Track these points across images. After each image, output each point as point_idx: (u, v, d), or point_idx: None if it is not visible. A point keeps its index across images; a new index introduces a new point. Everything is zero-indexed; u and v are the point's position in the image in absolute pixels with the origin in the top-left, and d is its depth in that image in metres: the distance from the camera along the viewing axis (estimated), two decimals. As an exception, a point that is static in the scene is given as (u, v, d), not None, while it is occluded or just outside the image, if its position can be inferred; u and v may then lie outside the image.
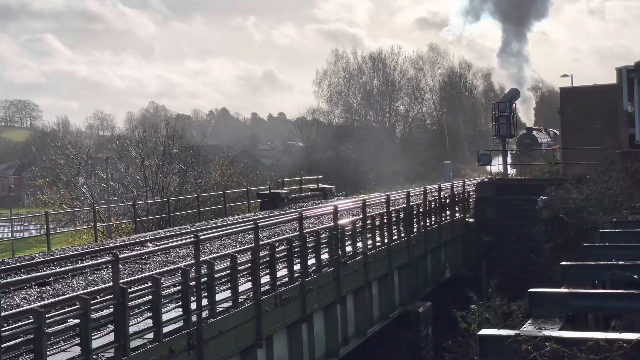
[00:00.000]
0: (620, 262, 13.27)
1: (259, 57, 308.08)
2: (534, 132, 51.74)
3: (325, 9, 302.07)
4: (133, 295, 11.74)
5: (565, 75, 49.00)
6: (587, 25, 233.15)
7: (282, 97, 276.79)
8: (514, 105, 49.46)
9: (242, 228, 22.35)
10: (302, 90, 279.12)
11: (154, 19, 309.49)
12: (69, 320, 10.48)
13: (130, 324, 11.43)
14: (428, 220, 28.07)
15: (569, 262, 14.04)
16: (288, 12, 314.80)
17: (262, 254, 15.67)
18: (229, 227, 25.47)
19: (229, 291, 14.48)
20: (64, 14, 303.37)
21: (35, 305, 11.87)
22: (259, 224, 16.45)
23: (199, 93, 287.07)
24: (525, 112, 62.30)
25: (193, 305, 13.00)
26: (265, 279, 15.83)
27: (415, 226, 26.58)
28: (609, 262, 13.42)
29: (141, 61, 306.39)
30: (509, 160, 44.67)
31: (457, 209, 32.71)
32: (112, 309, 11.24)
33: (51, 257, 19.67)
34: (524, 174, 38.71)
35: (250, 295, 15.09)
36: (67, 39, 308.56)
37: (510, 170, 43.02)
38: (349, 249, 20.60)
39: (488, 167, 45.34)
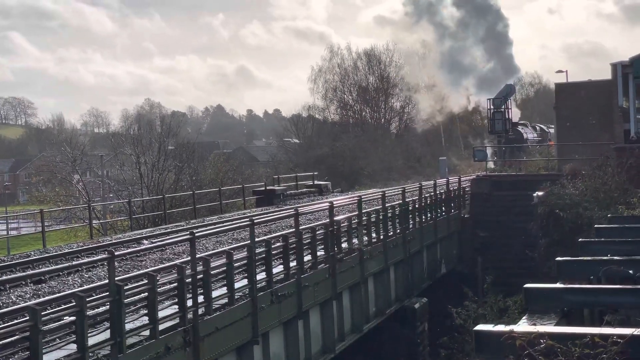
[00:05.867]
0: (615, 258, 13.30)
1: (228, 54, 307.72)
2: (520, 128, 51.44)
3: (280, 6, 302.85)
4: (129, 292, 11.73)
5: (560, 71, 48.96)
6: (548, 23, 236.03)
7: (261, 94, 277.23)
8: (509, 100, 49.52)
9: (237, 225, 22.36)
10: (279, 86, 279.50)
11: (110, 16, 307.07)
12: (64, 318, 10.46)
13: (126, 321, 11.43)
14: (424, 216, 28.08)
15: (564, 258, 14.06)
16: (244, 10, 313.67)
17: (258, 250, 15.68)
18: (224, 224, 25.44)
19: (225, 288, 14.49)
20: (14, 8, 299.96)
21: (30, 302, 11.86)
22: (255, 221, 16.47)
23: (175, 89, 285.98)
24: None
25: (189, 302, 13.00)
26: (261, 276, 15.84)
27: (411, 222, 26.60)
28: (605, 258, 13.44)
29: (109, 58, 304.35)
30: (493, 156, 44.68)
31: (452, 204, 32.74)
32: (107, 307, 11.24)
33: (47, 255, 19.62)
34: (519, 169, 38.76)
35: (246, 292, 15.10)
36: (28, 37, 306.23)
37: (493, 166, 42.92)
38: (344, 245, 20.61)
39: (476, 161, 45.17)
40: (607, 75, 35.19)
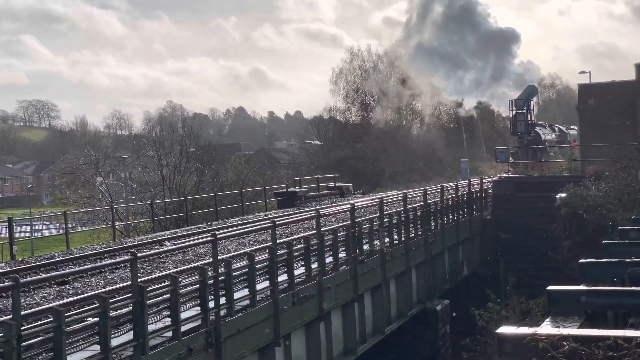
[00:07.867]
0: (639, 260, 13.18)
1: (240, 56, 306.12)
2: (538, 129, 50.87)
3: (288, 8, 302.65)
4: (151, 293, 11.79)
5: (583, 72, 48.51)
6: (559, 25, 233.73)
7: (276, 95, 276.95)
8: (531, 102, 49.16)
9: (259, 226, 22.39)
10: (294, 88, 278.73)
11: (120, 18, 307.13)
12: (88, 319, 10.54)
13: (148, 322, 11.50)
14: (445, 218, 27.98)
15: (587, 260, 13.97)
16: (253, 13, 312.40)
17: (279, 252, 15.70)
18: (246, 226, 25.52)
19: (247, 290, 14.52)
20: (22, 11, 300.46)
21: (54, 304, 11.95)
22: (277, 223, 16.49)
23: (189, 91, 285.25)
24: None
25: (211, 304, 13.05)
26: (282, 278, 15.86)
27: (433, 224, 26.51)
28: (629, 260, 13.33)
29: (121, 60, 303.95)
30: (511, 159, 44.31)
31: (474, 206, 32.59)
32: (130, 308, 11.30)
33: (70, 256, 19.79)
34: (542, 171, 38.54)
35: (268, 294, 15.13)
36: (40, 40, 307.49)
37: (510, 168, 42.57)
38: (366, 247, 20.59)
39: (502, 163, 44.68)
40: (623, 75, 34.97)
